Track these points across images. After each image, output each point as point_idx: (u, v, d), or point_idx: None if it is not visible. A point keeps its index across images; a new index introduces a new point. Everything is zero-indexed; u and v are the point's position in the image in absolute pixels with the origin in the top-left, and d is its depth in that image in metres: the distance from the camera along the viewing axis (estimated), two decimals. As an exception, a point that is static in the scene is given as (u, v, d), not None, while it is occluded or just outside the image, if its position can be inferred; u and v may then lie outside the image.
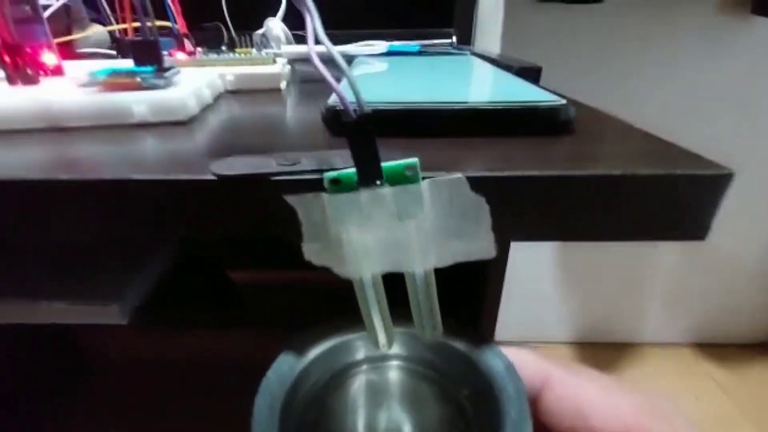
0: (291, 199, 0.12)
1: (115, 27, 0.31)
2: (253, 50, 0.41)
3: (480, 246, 0.12)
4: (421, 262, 0.13)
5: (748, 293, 0.98)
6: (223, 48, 0.52)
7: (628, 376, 0.99)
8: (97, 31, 0.37)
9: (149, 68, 0.19)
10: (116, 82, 0.17)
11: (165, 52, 0.23)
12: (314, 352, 0.14)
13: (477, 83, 0.19)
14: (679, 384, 0.98)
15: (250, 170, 0.12)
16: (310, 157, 0.13)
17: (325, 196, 0.12)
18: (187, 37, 0.27)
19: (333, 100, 0.16)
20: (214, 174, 0.12)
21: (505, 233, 0.12)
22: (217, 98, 0.22)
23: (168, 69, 0.20)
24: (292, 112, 0.21)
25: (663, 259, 0.92)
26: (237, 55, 0.27)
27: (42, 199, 0.13)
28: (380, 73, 0.23)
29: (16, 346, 0.60)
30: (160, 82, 0.18)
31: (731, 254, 0.92)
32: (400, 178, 0.12)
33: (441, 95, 0.17)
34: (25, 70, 0.19)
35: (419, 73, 0.23)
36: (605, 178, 0.12)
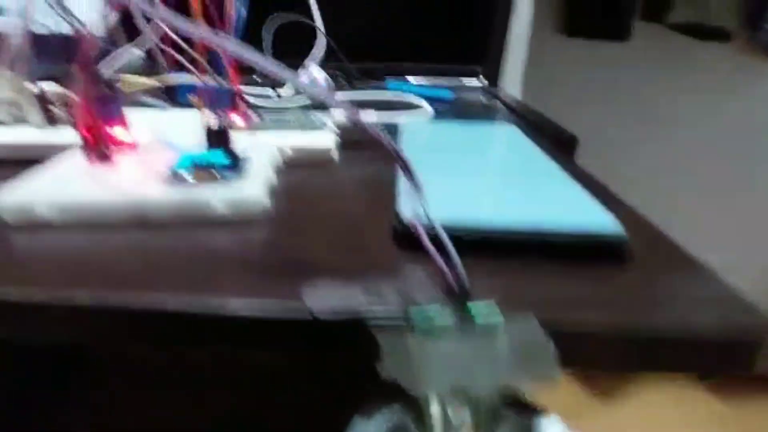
0: (379, 336, 0.13)
1: (171, 80, 0.32)
2: (291, 91, 0.42)
3: (544, 376, 0.14)
4: (487, 388, 0.14)
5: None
6: (258, 79, 0.53)
7: (628, 405, 1.00)
8: (133, 55, 0.38)
9: (222, 157, 0.20)
10: (200, 178, 0.19)
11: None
12: (391, 417, 0.14)
13: (531, 192, 0.21)
14: (678, 414, 0.99)
15: (343, 307, 0.13)
16: (392, 289, 0.14)
17: (409, 333, 0.13)
18: (242, 97, 0.28)
19: (406, 216, 0.17)
20: (311, 312, 0.13)
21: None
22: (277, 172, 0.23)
23: (240, 157, 0.21)
24: (353, 197, 0.22)
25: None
26: (288, 117, 0.28)
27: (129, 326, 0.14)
28: (433, 162, 0.24)
29: (19, 353, 0.61)
30: (237, 176, 0.19)
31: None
32: (481, 320, 0.13)
33: (501, 211, 0.18)
34: (102, 149, 0.21)
35: (468, 164, 0.24)
36: (667, 339, 0.13)
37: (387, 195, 0.21)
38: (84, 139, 0.20)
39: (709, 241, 0.90)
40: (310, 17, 0.46)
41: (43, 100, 0.25)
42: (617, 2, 0.74)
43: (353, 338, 0.13)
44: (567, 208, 0.19)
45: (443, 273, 0.12)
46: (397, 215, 0.17)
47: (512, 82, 0.75)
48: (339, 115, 0.29)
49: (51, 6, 0.20)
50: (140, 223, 0.18)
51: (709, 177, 0.84)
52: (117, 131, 0.21)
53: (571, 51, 0.76)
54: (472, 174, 0.23)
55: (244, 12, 0.25)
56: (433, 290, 0.14)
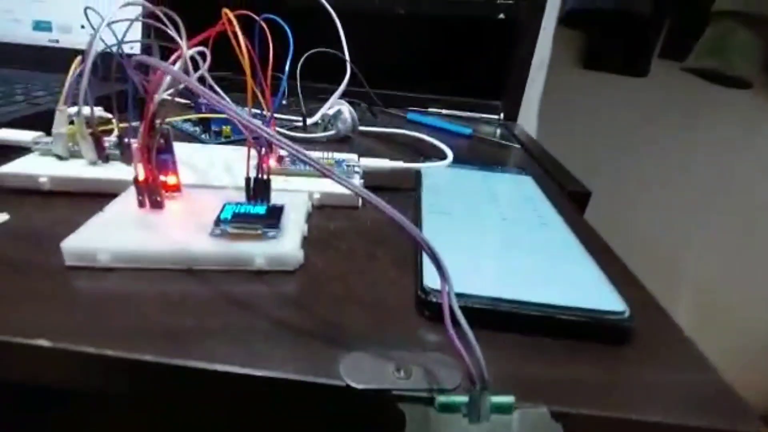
0: (404, 407, 0.15)
1: (207, 114, 0.34)
2: (318, 116, 0.44)
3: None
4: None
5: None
6: (284, 102, 0.55)
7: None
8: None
9: (262, 210, 0.22)
10: (242, 234, 0.21)
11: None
12: None
13: (542, 261, 0.22)
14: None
15: (376, 381, 0.15)
16: (420, 367, 0.16)
17: (432, 411, 0.15)
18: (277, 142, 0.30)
19: (430, 288, 0.19)
20: (348, 384, 0.15)
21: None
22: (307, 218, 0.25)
23: (277, 209, 0.22)
24: (378, 246, 0.24)
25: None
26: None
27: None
28: (450, 220, 0.26)
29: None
30: (275, 229, 0.21)
31: (745, 319, 0.93)
32: (497, 410, 0.14)
33: (512, 284, 0.19)
34: (155, 197, 0.23)
35: (484, 223, 0.26)
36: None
37: (408, 247, 0.23)
38: (139, 187, 0.22)
39: (726, 287, 0.91)
40: (338, 47, 0.48)
41: (97, 137, 0.27)
42: (638, 38, 0.75)
43: (381, 407, 0.15)
44: (577, 283, 0.20)
45: (465, 362, 0.14)
46: (422, 287, 0.19)
47: (528, 113, 0.76)
48: (364, 160, 0.31)
49: (122, 64, 0.22)
50: (186, 269, 0.20)
51: (725, 220, 0.84)
52: (169, 179, 0.23)
53: (587, 83, 0.78)
54: (487, 235, 0.24)
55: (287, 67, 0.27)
56: (455, 371, 0.15)
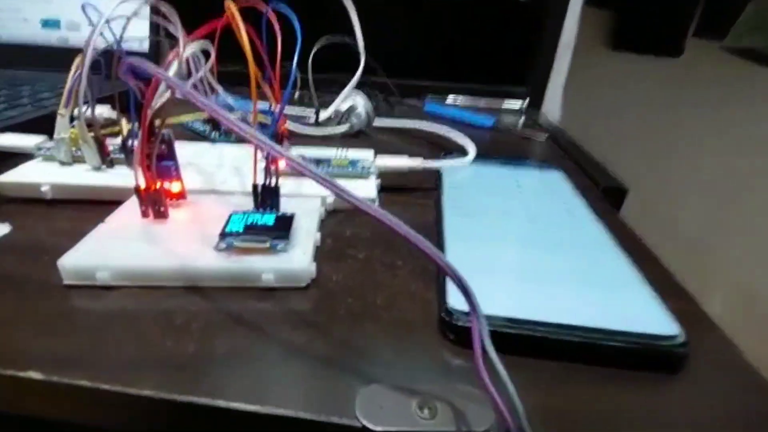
0: (429, 452, 0.13)
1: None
2: (331, 110, 0.42)
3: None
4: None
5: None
6: (296, 96, 0.53)
7: None
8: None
9: (271, 220, 0.20)
10: (249, 248, 0.19)
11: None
12: None
13: (580, 274, 0.20)
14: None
15: (396, 423, 0.13)
16: (446, 404, 0.14)
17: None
18: (287, 138, 0.28)
19: (453, 305, 0.17)
20: (363, 425, 0.13)
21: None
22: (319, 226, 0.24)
23: (287, 218, 0.21)
24: (396, 255, 0.22)
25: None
26: (331, 161, 0.28)
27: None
28: (475, 226, 0.24)
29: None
30: (285, 241, 0.19)
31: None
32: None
33: (547, 305, 0.17)
34: (158, 207, 0.21)
35: (512, 227, 0.24)
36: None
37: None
38: (141, 196, 0.21)
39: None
40: (351, 33, 0.46)
41: (100, 141, 0.26)
42: (671, 15, 0.70)
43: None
44: (622, 302, 0.18)
45: (499, 410, 0.12)
46: (446, 309, 0.17)
47: (553, 99, 0.73)
48: (381, 159, 0.29)
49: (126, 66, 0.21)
50: (190, 286, 0.19)
51: (754, 199, 0.79)
52: (173, 186, 0.22)
53: (616, 66, 0.73)
54: (516, 243, 0.22)
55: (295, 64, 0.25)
56: (486, 409, 0.13)
